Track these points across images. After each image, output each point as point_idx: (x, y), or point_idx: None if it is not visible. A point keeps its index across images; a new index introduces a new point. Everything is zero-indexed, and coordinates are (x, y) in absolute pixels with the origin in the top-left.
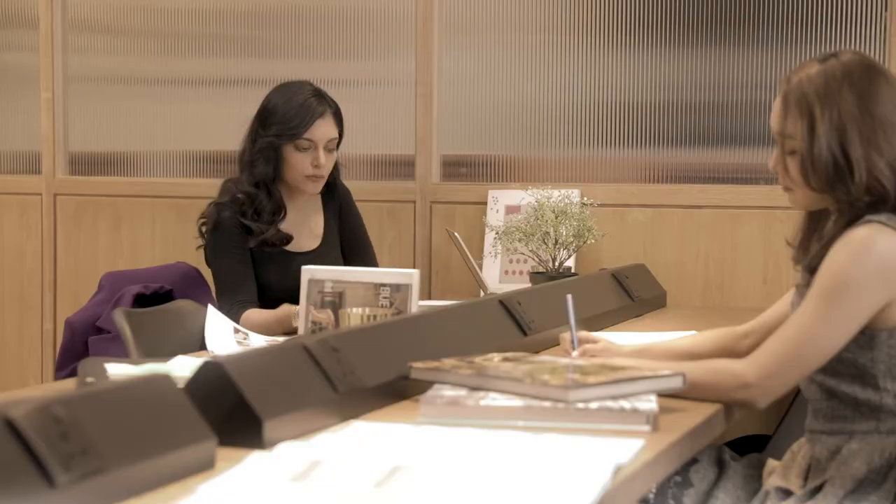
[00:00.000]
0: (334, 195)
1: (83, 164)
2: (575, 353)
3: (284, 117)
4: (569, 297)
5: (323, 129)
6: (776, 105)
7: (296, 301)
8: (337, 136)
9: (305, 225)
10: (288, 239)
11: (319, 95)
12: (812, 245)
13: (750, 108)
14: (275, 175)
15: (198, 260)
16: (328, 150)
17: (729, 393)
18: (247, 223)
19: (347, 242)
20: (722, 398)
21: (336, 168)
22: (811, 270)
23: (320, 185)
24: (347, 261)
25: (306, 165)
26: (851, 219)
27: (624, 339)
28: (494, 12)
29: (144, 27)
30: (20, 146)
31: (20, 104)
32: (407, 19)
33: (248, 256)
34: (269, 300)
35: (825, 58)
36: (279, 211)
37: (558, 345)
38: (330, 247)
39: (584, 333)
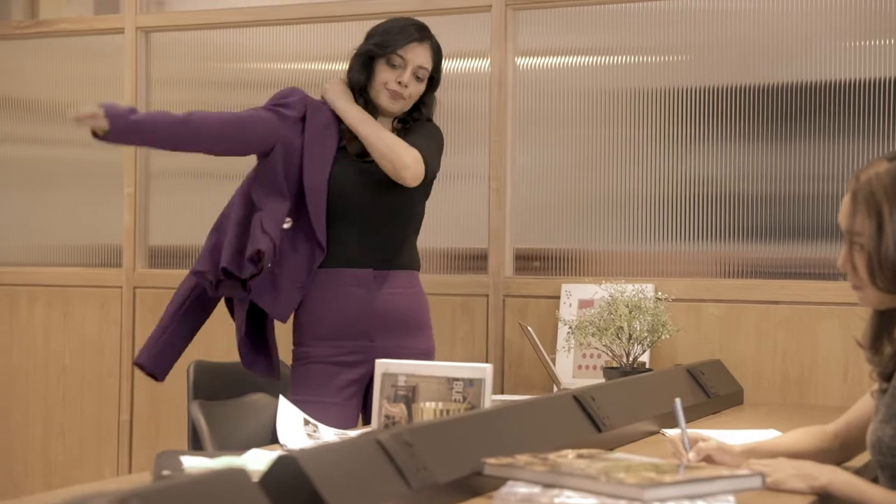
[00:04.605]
0: (413, 129)
1: (162, 257)
2: (691, 455)
3: (385, 33)
4: (677, 400)
5: (417, 52)
6: (845, 203)
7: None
8: (430, 67)
9: None
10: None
11: (423, 28)
12: (884, 346)
13: (824, 201)
14: (366, 83)
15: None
16: (417, 78)
17: None
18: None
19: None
20: None
21: (429, 108)
22: (886, 377)
23: (398, 105)
24: None
25: (391, 79)
26: None
27: (724, 438)
28: (567, 107)
29: None
30: (102, 240)
31: (105, 200)
32: (480, 114)
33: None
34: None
35: (894, 156)
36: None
37: (633, 441)
38: None
39: (694, 433)
